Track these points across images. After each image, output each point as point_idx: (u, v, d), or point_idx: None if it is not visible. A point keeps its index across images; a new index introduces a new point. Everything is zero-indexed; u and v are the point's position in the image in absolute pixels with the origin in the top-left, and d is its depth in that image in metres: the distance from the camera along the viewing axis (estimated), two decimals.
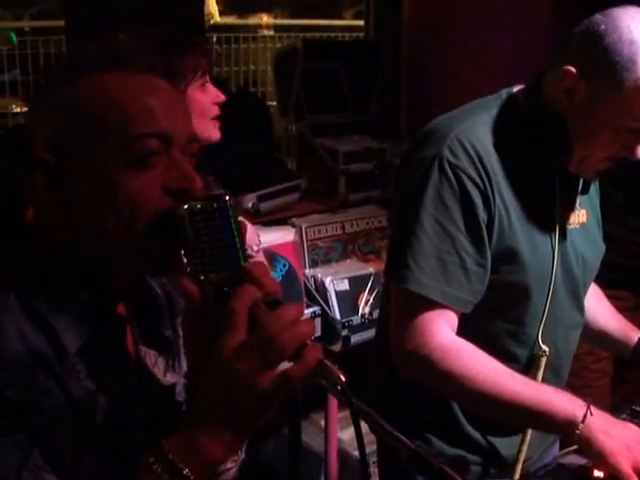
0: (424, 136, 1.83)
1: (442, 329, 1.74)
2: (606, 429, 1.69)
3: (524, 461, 1.90)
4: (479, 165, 1.74)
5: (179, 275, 1.11)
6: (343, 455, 3.44)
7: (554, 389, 1.77)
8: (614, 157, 1.78)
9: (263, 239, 3.15)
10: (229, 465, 1.30)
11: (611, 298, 2.23)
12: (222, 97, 2.12)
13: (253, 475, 1.48)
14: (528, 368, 1.87)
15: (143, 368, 1.27)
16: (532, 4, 3.38)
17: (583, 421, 1.67)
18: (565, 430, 1.72)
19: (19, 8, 7.33)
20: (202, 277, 1.06)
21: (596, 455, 1.69)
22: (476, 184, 1.73)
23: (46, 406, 1.07)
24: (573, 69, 1.71)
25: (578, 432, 1.68)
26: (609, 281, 2.22)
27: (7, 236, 1.19)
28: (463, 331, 1.76)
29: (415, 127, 1.90)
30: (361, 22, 4.81)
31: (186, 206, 1.07)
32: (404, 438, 1.10)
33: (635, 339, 2.11)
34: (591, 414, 1.68)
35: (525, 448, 1.89)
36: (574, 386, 2.00)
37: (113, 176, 1.10)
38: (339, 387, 1.03)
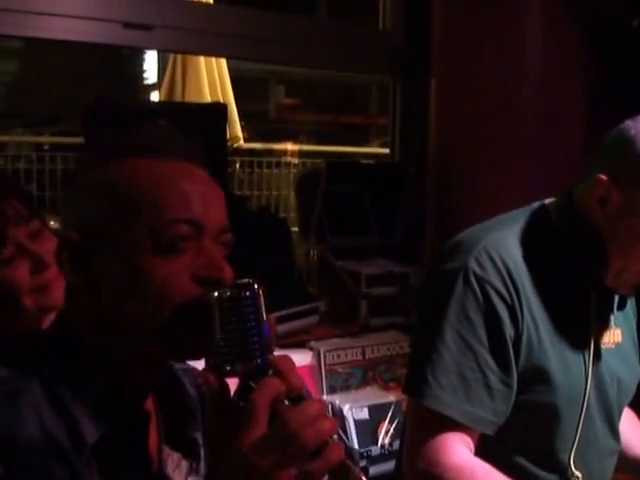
0: (451, 247, 1.77)
1: (458, 448, 1.61)
2: None
3: None
4: (507, 278, 1.66)
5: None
6: None
7: None
8: None
9: None
10: None
11: None
12: None
13: None
14: None
15: (161, 473, 1.21)
16: (562, 128, 3.35)
17: None
18: None
19: (41, 127, 7.51)
20: (228, 368, 1.03)
21: None
22: (503, 298, 1.64)
23: None
24: (605, 177, 1.64)
25: None
26: None
27: None
28: (484, 453, 1.64)
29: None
30: (386, 150, 4.81)
31: (216, 294, 1.05)
32: None
33: None
34: None
35: None
36: None
37: (141, 260, 1.10)
38: None
